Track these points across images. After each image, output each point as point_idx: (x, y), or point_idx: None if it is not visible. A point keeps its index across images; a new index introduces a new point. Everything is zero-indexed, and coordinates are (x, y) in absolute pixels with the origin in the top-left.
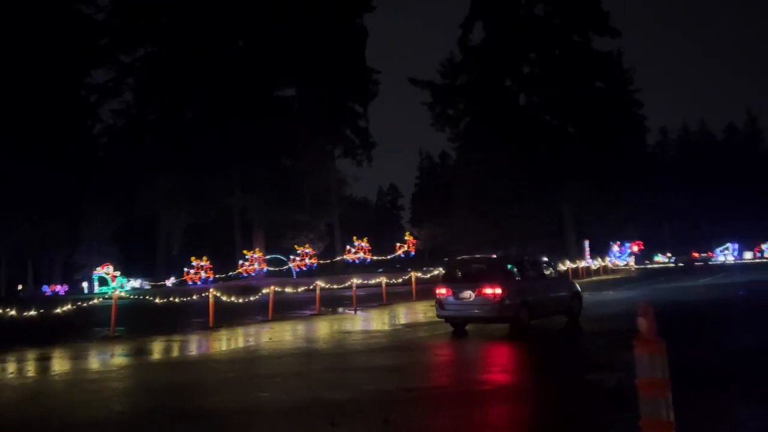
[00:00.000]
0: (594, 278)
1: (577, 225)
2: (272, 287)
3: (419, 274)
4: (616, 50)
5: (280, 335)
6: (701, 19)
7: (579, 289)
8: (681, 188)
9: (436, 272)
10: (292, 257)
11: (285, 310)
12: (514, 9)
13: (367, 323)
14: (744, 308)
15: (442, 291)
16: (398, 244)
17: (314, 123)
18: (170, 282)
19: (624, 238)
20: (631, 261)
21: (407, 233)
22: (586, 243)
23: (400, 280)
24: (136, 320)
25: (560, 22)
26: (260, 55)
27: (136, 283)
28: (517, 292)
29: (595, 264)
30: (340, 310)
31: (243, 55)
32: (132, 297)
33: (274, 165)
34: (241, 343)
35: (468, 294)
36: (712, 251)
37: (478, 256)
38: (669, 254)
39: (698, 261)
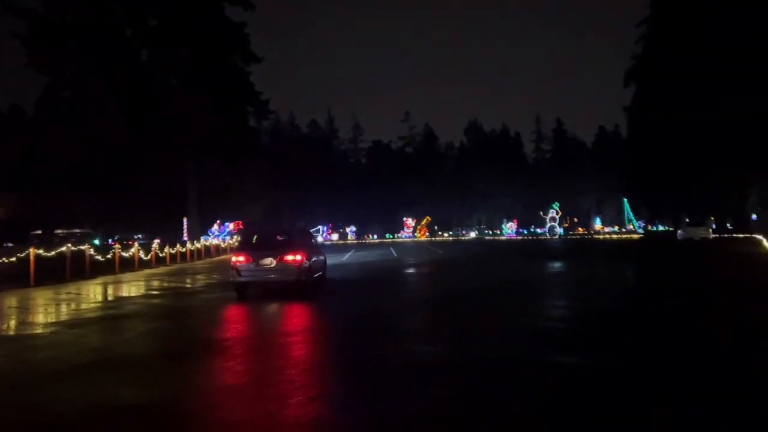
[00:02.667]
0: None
1: (200, 202)
2: None
3: (41, 251)
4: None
5: None
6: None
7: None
8: (271, 173)
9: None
10: None
11: None
12: None
13: None
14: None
15: (240, 258)
16: None
17: None
18: None
19: (241, 218)
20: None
21: None
22: (185, 221)
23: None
24: None
25: None
26: None
27: None
28: (308, 257)
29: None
30: None
31: None
32: None
33: None
34: None
35: (269, 260)
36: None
37: (274, 225)
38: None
39: None
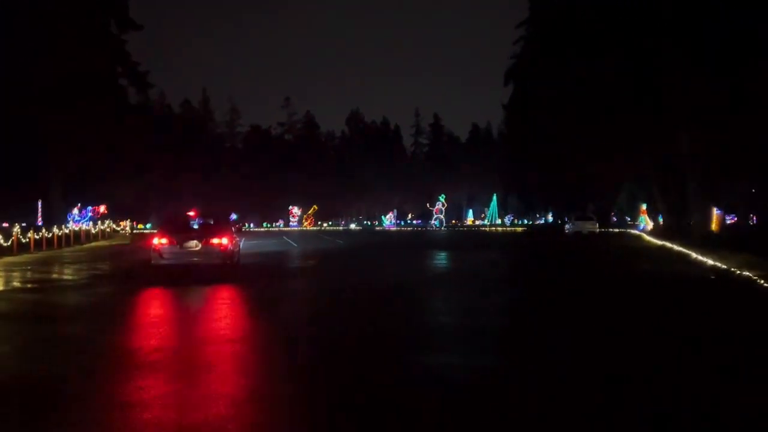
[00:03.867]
0: (99, 243)
1: (65, 183)
2: None
3: None
4: None
5: None
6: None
7: None
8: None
9: None
10: None
11: None
12: None
13: None
14: None
15: (163, 241)
16: None
17: None
18: None
19: (107, 202)
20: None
21: None
22: (39, 203)
23: None
24: None
25: None
26: None
27: None
28: (233, 241)
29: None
30: None
31: None
32: None
33: None
34: None
35: (194, 243)
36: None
37: (200, 210)
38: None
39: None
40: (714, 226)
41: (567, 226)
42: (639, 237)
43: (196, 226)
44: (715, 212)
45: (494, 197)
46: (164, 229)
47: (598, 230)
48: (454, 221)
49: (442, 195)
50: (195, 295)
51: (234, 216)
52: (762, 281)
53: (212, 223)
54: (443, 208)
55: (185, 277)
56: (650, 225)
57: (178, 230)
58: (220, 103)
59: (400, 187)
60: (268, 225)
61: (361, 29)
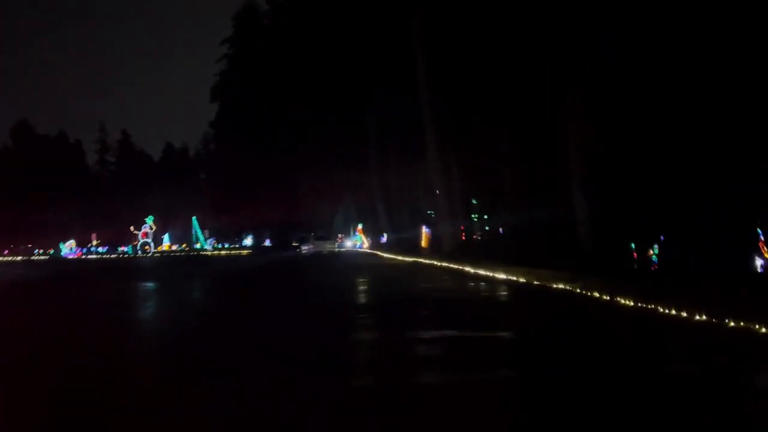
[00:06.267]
0: None
1: None
2: None
3: None
4: None
5: None
6: None
7: None
8: None
9: None
10: None
11: None
12: None
13: None
14: None
15: None
16: None
17: None
18: None
19: None
20: None
21: None
22: None
23: None
24: None
25: None
26: None
27: None
28: None
29: None
30: None
31: None
32: None
33: None
34: None
35: None
36: None
37: None
38: None
39: None
40: (424, 243)
41: (305, 247)
42: (375, 254)
43: None
44: (425, 230)
45: (194, 220)
46: None
47: (336, 249)
48: (147, 246)
49: (150, 216)
50: None
51: None
52: (594, 293)
53: None
54: (151, 232)
55: None
56: (366, 243)
57: None
58: None
59: (83, 210)
60: None
61: (26, 27)
